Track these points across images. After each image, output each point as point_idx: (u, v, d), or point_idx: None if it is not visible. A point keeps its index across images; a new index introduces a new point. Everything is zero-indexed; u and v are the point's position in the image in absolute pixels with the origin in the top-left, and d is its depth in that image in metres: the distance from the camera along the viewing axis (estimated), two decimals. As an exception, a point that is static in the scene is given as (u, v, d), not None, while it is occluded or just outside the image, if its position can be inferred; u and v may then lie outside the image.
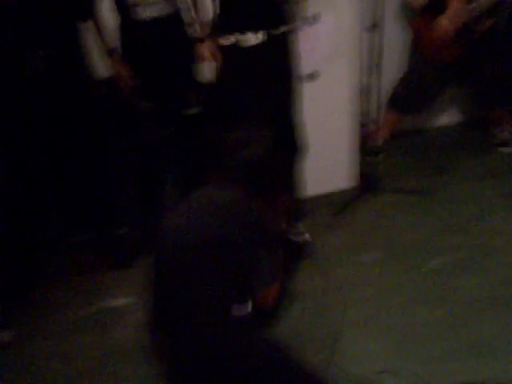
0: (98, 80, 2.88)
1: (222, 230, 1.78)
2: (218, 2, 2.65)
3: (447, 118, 4.33)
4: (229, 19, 2.70)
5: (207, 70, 2.88)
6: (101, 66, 2.82)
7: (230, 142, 1.98)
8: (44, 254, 3.12)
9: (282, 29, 2.67)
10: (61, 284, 2.94)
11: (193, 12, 2.85)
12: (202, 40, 2.83)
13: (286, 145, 2.87)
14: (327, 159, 3.40)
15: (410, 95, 3.70)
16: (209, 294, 1.77)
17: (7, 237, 2.84)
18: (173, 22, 2.69)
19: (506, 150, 3.85)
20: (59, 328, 2.64)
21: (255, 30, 2.62)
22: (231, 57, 2.74)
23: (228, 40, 2.67)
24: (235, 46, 2.67)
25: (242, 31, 2.63)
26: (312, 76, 3.13)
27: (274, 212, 2.04)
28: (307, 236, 2.50)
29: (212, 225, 1.79)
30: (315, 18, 3.02)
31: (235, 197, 1.85)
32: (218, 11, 2.68)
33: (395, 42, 3.74)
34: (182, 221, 1.88)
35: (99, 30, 2.73)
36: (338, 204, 3.39)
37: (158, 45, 2.69)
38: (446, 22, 3.31)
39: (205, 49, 2.81)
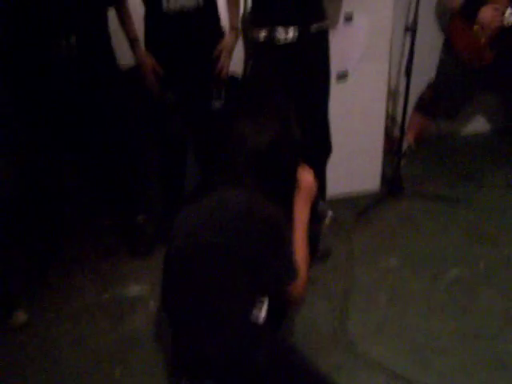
0: (123, 69, 2.87)
1: (233, 230, 1.76)
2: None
3: (477, 125, 4.27)
4: (261, 14, 2.69)
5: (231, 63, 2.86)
6: (126, 55, 2.81)
7: (235, 132, 1.94)
8: (64, 238, 3.15)
9: (315, 26, 2.65)
10: (79, 268, 2.96)
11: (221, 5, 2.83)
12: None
13: (314, 144, 2.85)
14: (352, 161, 3.37)
15: (438, 99, 3.64)
16: (223, 292, 1.76)
17: (28, 218, 2.88)
18: (199, 15, 2.67)
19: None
20: (74, 312, 2.67)
21: (287, 25, 2.60)
22: (264, 52, 2.73)
23: (259, 34, 2.66)
24: (268, 42, 2.65)
25: (274, 26, 2.62)
26: (342, 76, 3.11)
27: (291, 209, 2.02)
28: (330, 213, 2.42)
29: (224, 225, 1.78)
30: (349, 18, 2.98)
31: (246, 197, 1.83)
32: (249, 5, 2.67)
33: (426, 45, 3.67)
34: (195, 219, 1.86)
35: (126, 17, 2.72)
36: (361, 206, 3.36)
37: (183, 37, 2.67)
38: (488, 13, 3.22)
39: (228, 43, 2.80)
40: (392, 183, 3.48)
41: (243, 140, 1.89)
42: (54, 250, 3.03)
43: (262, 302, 1.85)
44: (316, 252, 2.78)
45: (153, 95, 2.79)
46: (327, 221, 2.21)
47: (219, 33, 2.81)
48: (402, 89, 3.40)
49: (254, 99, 2.75)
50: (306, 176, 2.03)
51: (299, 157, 2.01)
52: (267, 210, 1.80)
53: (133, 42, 2.73)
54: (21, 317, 2.61)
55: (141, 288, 2.79)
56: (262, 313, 1.86)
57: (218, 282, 1.76)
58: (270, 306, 1.90)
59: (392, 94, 3.85)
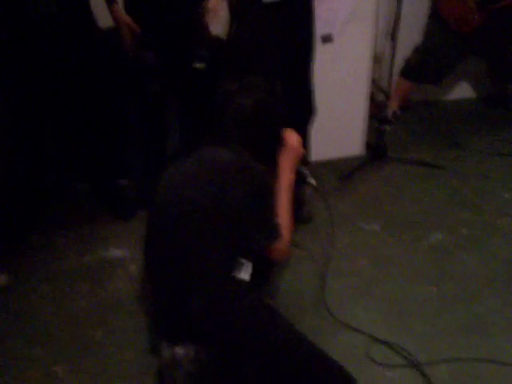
0: (101, 29, 2.81)
1: (219, 186, 1.75)
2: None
3: (463, 91, 4.26)
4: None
5: (215, 24, 2.80)
6: (104, 15, 2.75)
7: (223, 92, 1.92)
8: (45, 200, 3.12)
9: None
10: (60, 231, 2.93)
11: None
12: None
13: (298, 106, 2.83)
14: (336, 125, 3.36)
15: (425, 64, 3.61)
16: (206, 249, 1.76)
17: (8, 179, 2.84)
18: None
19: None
20: (55, 274, 2.65)
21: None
22: (248, 12, 2.68)
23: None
24: (253, 1, 2.61)
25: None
26: (326, 39, 3.06)
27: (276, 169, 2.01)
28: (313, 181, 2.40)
29: (209, 181, 1.77)
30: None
31: (233, 155, 1.82)
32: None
33: (413, 9, 3.63)
34: (179, 177, 1.85)
35: None
36: (344, 171, 3.36)
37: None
38: None
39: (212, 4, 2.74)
40: (376, 148, 3.47)
41: (229, 100, 1.88)
42: (35, 214, 3.00)
43: (243, 264, 1.85)
44: (299, 215, 2.78)
45: (132, 55, 2.73)
46: (312, 183, 2.20)
47: None
48: (387, 53, 3.37)
49: (239, 60, 2.73)
50: (291, 138, 2.02)
51: (283, 117, 2.00)
52: (254, 168, 1.80)
53: (109, 1, 2.66)
54: (2, 279, 2.59)
55: (122, 251, 2.77)
56: (246, 276, 1.86)
57: (199, 238, 1.76)
58: (253, 267, 1.90)
59: (377, 59, 3.82)
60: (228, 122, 1.89)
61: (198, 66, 2.73)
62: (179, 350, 1.76)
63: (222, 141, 1.87)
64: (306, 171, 2.18)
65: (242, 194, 1.76)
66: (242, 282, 1.84)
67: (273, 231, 1.87)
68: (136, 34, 2.69)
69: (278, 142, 2.01)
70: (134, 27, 2.67)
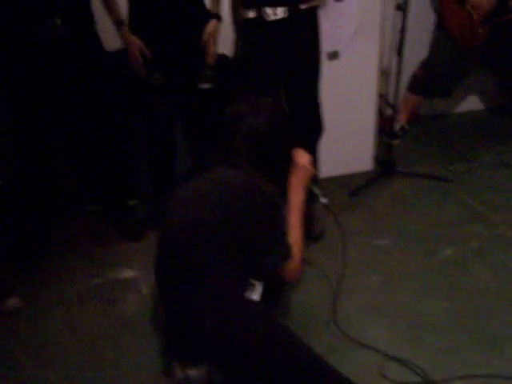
0: (109, 51, 2.84)
1: (229, 207, 1.76)
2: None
3: (470, 103, 4.25)
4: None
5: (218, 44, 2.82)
6: (112, 37, 2.77)
7: (230, 113, 1.93)
8: (55, 223, 3.12)
9: (305, 5, 2.62)
10: (71, 253, 2.94)
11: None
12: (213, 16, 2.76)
13: (306, 123, 2.84)
14: (344, 141, 3.36)
15: (432, 78, 3.62)
16: (217, 270, 1.76)
17: (20, 201, 2.86)
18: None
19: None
20: (67, 296, 2.65)
21: (276, 5, 2.57)
22: (253, 31, 2.70)
23: (248, 12, 2.63)
24: (258, 20, 2.62)
25: (263, 5, 2.59)
26: (333, 55, 3.08)
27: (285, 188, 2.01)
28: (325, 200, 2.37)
29: (219, 202, 1.77)
30: (339, -4, 2.95)
31: (243, 176, 1.82)
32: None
33: (419, 24, 3.64)
34: (189, 197, 1.86)
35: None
36: (353, 186, 3.35)
37: (170, 18, 2.62)
38: None
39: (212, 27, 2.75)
40: (385, 163, 3.46)
41: (239, 120, 1.89)
42: (46, 236, 3.00)
43: (254, 286, 1.84)
44: (310, 233, 2.78)
45: (140, 77, 2.74)
46: (324, 202, 2.19)
47: (205, 14, 2.75)
48: (394, 68, 3.37)
49: (246, 79, 2.75)
50: (301, 157, 2.03)
51: (293, 136, 2.00)
52: (264, 189, 1.80)
53: (118, 24, 2.69)
54: (14, 302, 2.59)
55: (133, 272, 2.78)
56: (255, 296, 1.86)
57: (210, 260, 1.76)
58: (264, 286, 1.89)
59: (384, 74, 3.82)
60: (239, 142, 1.89)
61: (204, 86, 2.73)
62: (192, 371, 1.76)
63: (233, 162, 1.87)
64: (317, 190, 2.18)
65: (252, 215, 1.76)
66: (253, 302, 1.84)
67: (284, 251, 1.87)
68: (145, 56, 2.70)
69: (289, 162, 2.01)
70: (144, 50, 2.69)
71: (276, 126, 1.92)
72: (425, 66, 3.66)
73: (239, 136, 1.88)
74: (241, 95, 2.01)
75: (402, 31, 3.05)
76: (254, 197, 1.78)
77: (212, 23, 2.72)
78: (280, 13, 2.59)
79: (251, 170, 1.85)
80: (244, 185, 1.81)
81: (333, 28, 2.97)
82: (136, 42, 2.67)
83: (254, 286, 1.83)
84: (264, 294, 1.90)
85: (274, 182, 1.89)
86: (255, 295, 1.84)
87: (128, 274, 2.78)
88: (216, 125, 1.99)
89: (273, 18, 2.60)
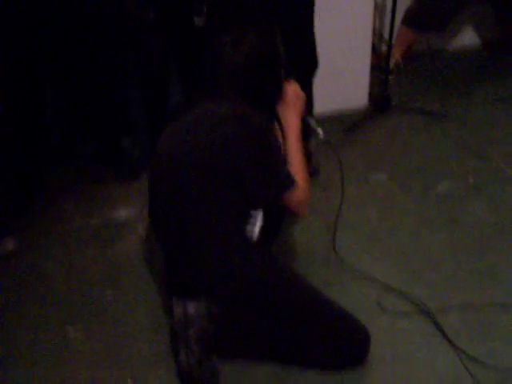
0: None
1: (220, 142, 1.73)
2: None
3: (467, 38, 4.16)
4: None
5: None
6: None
7: (219, 44, 1.88)
8: (49, 164, 3.09)
9: None
10: (65, 194, 2.91)
11: None
12: None
13: (300, 58, 2.78)
14: (339, 77, 3.30)
15: (426, 12, 3.55)
16: (213, 205, 1.75)
17: (12, 144, 2.81)
18: None
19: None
20: (63, 237, 2.65)
21: None
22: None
23: None
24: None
25: None
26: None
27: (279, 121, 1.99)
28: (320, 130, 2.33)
29: (210, 137, 1.75)
30: None
31: (229, 107, 1.79)
32: None
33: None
34: (179, 135, 1.83)
35: None
36: (349, 123, 3.32)
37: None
38: None
39: None
40: (380, 99, 3.42)
41: (220, 55, 1.85)
42: (40, 177, 2.98)
43: (255, 218, 1.84)
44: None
45: (133, 14, 2.67)
46: (320, 135, 2.16)
47: None
48: (389, 1, 3.30)
49: (237, 14, 2.68)
50: (291, 88, 1.99)
51: (284, 67, 1.96)
52: (252, 117, 1.77)
53: None
54: (9, 244, 2.59)
55: (129, 212, 2.77)
56: (256, 228, 1.85)
57: (207, 198, 1.75)
58: (265, 220, 1.89)
59: (379, 7, 3.74)
60: (221, 74, 1.85)
61: (198, 21, 2.67)
62: (191, 306, 1.77)
63: (219, 94, 1.84)
64: (313, 124, 2.15)
65: (245, 145, 1.73)
66: (252, 236, 1.84)
67: (285, 180, 1.83)
68: None
69: (278, 95, 1.97)
70: None
71: (259, 59, 1.87)
72: (420, -1, 3.60)
73: (221, 71, 1.85)
74: (224, 29, 1.95)
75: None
76: (241, 126, 1.76)
77: None
78: None
79: (239, 100, 1.82)
80: (231, 116, 1.78)
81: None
82: None
83: (252, 216, 1.82)
84: (263, 229, 1.90)
85: (264, 111, 1.87)
86: (255, 226, 1.83)
87: (124, 213, 2.77)
88: (202, 60, 1.96)
89: None
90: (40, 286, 2.39)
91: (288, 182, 1.82)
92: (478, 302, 2.14)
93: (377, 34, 3.85)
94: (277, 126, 1.97)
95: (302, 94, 2.00)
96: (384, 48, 3.65)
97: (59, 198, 2.90)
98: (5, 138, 2.78)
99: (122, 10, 2.67)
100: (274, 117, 1.96)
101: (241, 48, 1.84)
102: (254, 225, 1.83)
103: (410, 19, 3.66)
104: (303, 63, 2.84)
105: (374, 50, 3.65)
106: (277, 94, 1.95)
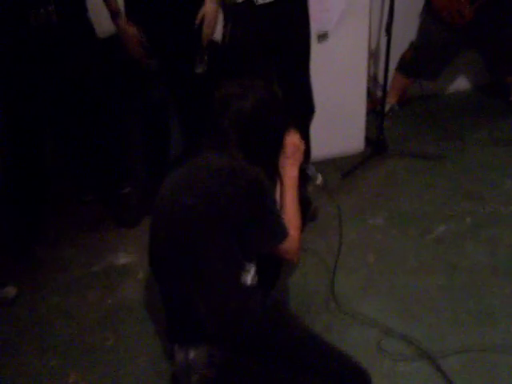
0: (104, 38, 2.82)
1: (215, 191, 1.75)
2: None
3: (459, 82, 4.24)
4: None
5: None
6: (107, 25, 2.74)
7: (219, 96, 1.91)
8: (49, 212, 3.11)
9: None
10: (66, 241, 2.94)
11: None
12: None
13: (297, 105, 2.84)
14: (335, 122, 3.35)
15: (420, 59, 3.62)
16: (209, 254, 1.76)
17: (13, 192, 2.85)
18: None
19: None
20: (63, 285, 2.66)
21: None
22: (242, 14, 2.69)
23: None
24: (248, 4, 2.61)
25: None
26: (322, 37, 3.07)
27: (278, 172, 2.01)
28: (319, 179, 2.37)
29: (205, 187, 1.77)
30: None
31: (227, 159, 1.82)
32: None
33: (407, 4, 3.63)
34: (177, 184, 1.85)
35: None
36: (346, 167, 3.35)
37: (164, 3, 2.61)
38: None
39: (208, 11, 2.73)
40: (376, 143, 3.47)
41: (226, 103, 1.88)
42: (40, 224, 3.00)
43: (247, 267, 1.84)
44: (305, 215, 2.78)
45: (136, 64, 2.72)
46: (319, 183, 2.19)
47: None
48: (383, 49, 3.37)
49: (236, 62, 2.74)
50: (291, 137, 2.02)
51: (285, 118, 1.99)
52: (249, 171, 1.79)
53: (114, 13, 2.65)
54: (10, 291, 2.59)
55: (129, 258, 2.78)
56: (252, 273, 1.86)
57: (204, 245, 1.76)
58: (262, 267, 1.90)
59: (373, 54, 3.83)
60: (227, 126, 1.87)
61: (198, 70, 2.72)
62: (192, 353, 1.77)
63: (220, 145, 1.87)
64: (310, 171, 2.17)
65: (237, 197, 1.75)
66: (249, 283, 1.84)
67: (279, 231, 1.84)
68: (142, 44, 2.67)
69: (279, 144, 2.01)
70: (140, 39, 2.66)
71: (265, 110, 1.89)
72: (413, 47, 3.67)
73: (227, 120, 1.86)
74: (230, 78, 1.99)
75: (391, 10, 3.05)
76: (237, 178, 1.76)
77: (206, 5, 2.71)
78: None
79: (237, 152, 1.84)
80: (227, 167, 1.79)
81: (322, 9, 2.96)
82: (132, 31, 2.64)
83: (247, 267, 1.83)
84: (261, 275, 1.91)
85: (265, 164, 1.88)
86: (250, 277, 1.84)
87: (124, 259, 2.79)
88: (206, 109, 1.98)
89: (261, 1, 2.60)
90: (41, 333, 2.39)
91: (281, 235, 1.83)
92: (477, 343, 2.15)
93: (371, 80, 3.92)
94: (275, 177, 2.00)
95: (301, 145, 2.04)
96: (379, 93, 3.71)
97: (59, 245, 2.92)
98: (5, 186, 2.82)
99: (123, 61, 2.73)
100: (274, 168, 1.99)
101: (248, 98, 1.86)
102: (250, 271, 1.84)
103: (405, 67, 3.75)
104: (300, 109, 2.90)
105: (370, 94, 3.72)
106: (278, 145, 1.99)
